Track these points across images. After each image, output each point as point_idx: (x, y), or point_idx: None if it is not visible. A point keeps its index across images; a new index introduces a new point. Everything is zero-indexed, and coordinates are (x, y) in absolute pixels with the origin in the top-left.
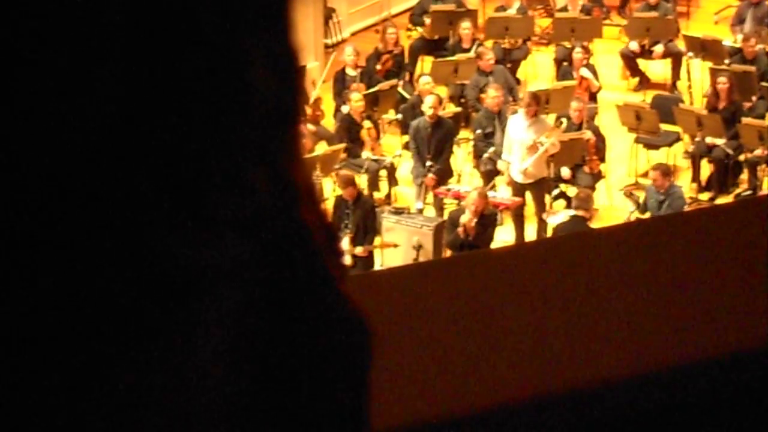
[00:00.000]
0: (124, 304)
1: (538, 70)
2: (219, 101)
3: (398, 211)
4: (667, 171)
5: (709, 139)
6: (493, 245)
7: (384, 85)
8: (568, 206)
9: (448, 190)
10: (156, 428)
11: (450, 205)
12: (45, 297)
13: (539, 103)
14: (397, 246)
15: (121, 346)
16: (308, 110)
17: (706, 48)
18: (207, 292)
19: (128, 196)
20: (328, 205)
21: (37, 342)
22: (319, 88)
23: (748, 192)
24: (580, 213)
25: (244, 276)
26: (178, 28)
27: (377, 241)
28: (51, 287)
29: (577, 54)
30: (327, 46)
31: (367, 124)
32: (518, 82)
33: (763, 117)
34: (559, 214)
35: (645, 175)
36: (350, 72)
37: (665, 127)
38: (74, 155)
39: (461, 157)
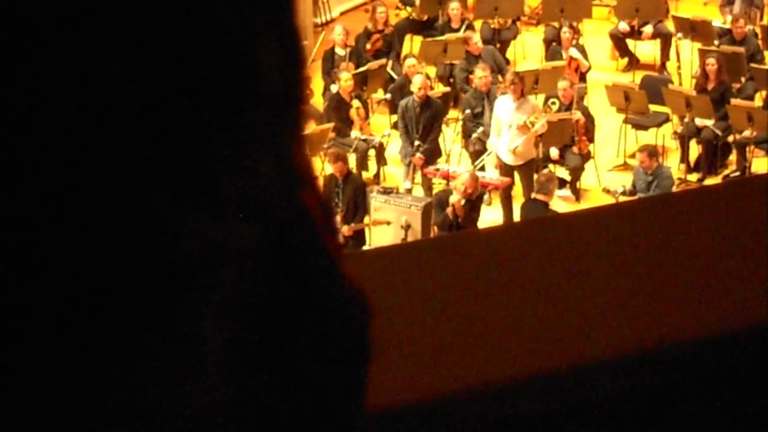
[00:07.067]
0: (128, 287)
1: (527, 50)
2: (228, 83)
3: (387, 191)
4: (653, 152)
5: (698, 120)
6: (482, 225)
7: (373, 64)
8: (558, 186)
9: (437, 169)
10: (160, 411)
11: (438, 185)
12: (47, 282)
13: (523, 81)
14: (390, 223)
15: (125, 329)
16: None
17: (695, 29)
18: (211, 275)
19: (134, 178)
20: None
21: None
22: (308, 67)
23: (737, 173)
24: (541, 197)
25: (247, 259)
26: (188, 8)
27: (367, 220)
28: (54, 272)
29: (566, 34)
30: (316, 26)
31: (356, 103)
32: (508, 62)
33: (752, 98)
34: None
35: (634, 155)
36: (339, 51)
37: (654, 107)
38: (80, 136)
39: (450, 137)
